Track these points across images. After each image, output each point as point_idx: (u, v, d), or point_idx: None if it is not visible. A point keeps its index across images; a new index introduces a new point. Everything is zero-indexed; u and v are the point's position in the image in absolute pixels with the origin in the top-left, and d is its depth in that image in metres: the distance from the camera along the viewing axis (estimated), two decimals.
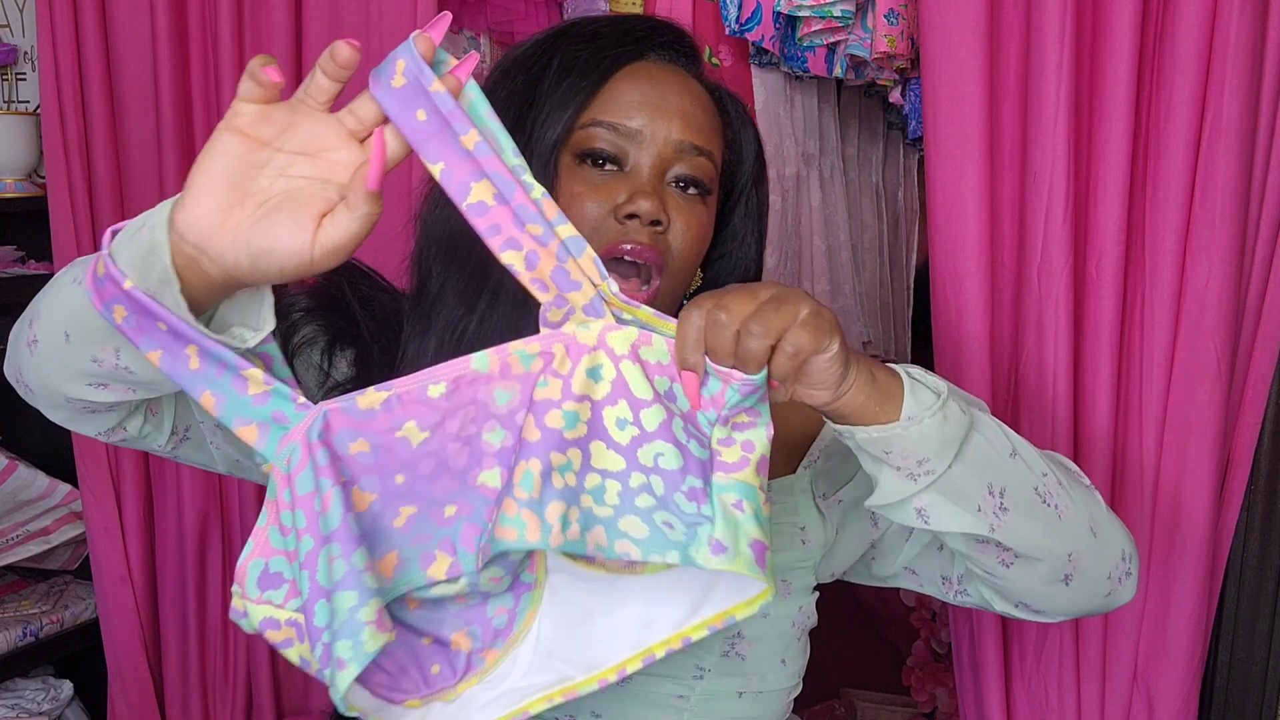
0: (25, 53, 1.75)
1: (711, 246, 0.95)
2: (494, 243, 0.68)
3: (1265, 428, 1.22)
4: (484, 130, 0.67)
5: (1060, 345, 1.16)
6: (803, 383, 0.73)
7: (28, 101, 1.75)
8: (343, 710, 0.70)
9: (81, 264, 0.75)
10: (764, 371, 0.69)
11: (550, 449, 0.68)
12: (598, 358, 0.70)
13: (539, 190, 0.69)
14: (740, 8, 1.65)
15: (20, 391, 0.83)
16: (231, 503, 1.48)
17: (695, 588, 0.74)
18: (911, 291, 2.36)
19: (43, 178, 1.52)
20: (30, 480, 1.66)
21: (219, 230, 0.64)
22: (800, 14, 1.64)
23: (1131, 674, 1.22)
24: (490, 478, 0.71)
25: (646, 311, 0.71)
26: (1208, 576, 1.20)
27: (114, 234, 0.68)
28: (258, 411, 0.68)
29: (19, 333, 0.80)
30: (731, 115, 0.95)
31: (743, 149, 0.97)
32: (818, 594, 0.98)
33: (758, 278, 1.01)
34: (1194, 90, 1.11)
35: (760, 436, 0.71)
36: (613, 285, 0.70)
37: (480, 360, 0.70)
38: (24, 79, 1.75)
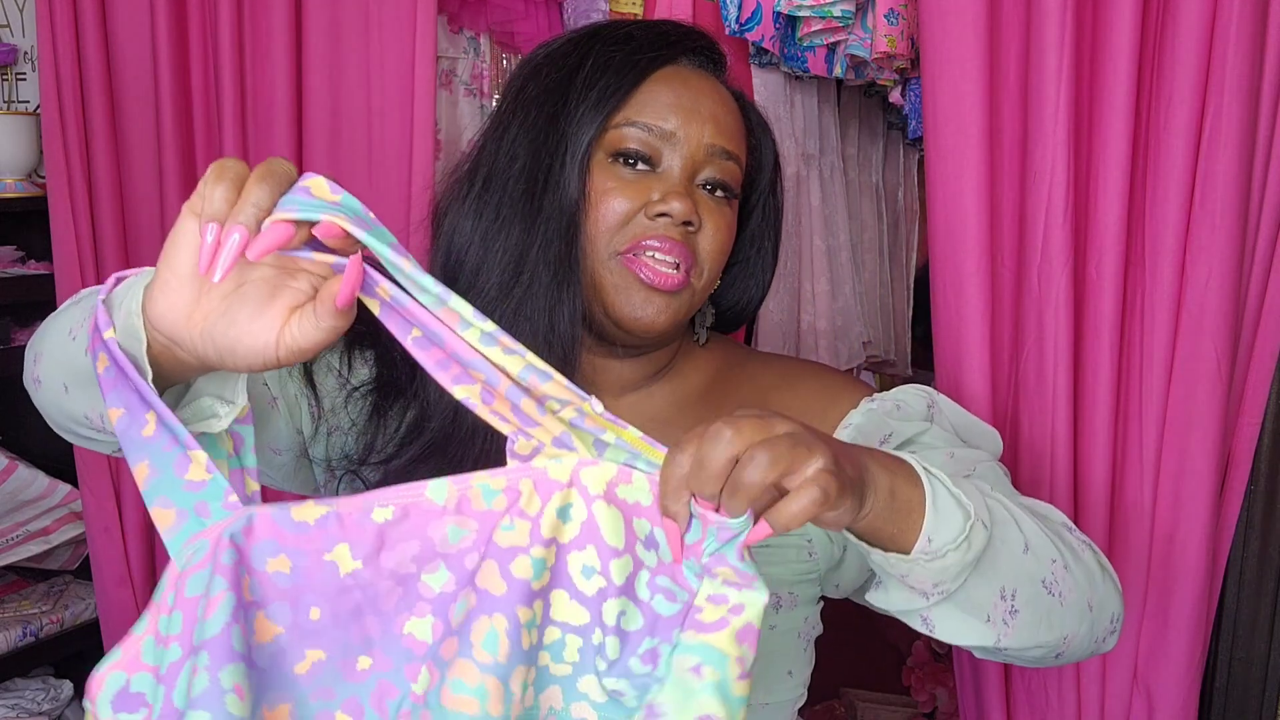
0: (25, 53, 1.75)
1: (730, 253, 0.95)
2: (443, 378, 0.63)
3: (1265, 428, 1.22)
4: (402, 278, 0.61)
5: (1060, 345, 1.16)
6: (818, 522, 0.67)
7: (28, 101, 1.75)
8: None
9: (84, 303, 0.77)
10: (747, 517, 0.60)
11: (517, 603, 0.61)
12: (569, 496, 0.63)
13: (476, 333, 0.62)
14: (740, 8, 1.65)
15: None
16: None
17: None
18: (911, 292, 2.36)
19: (43, 178, 1.52)
20: (30, 480, 1.66)
21: (187, 324, 0.62)
22: (800, 14, 1.64)
23: (1131, 674, 1.22)
24: (419, 628, 0.63)
25: (633, 434, 0.64)
26: (1208, 576, 1.20)
27: (118, 280, 0.66)
28: (184, 497, 0.62)
29: (27, 360, 0.82)
30: (753, 122, 0.97)
31: (762, 156, 0.98)
32: (823, 603, 0.98)
33: (769, 285, 1.02)
34: (1194, 90, 1.11)
35: (754, 601, 0.61)
36: (596, 405, 0.63)
37: (437, 489, 0.63)
38: (24, 79, 1.75)
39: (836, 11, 1.63)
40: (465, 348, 0.62)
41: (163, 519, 0.62)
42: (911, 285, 2.39)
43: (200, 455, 0.62)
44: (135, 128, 1.44)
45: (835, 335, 1.95)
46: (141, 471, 0.62)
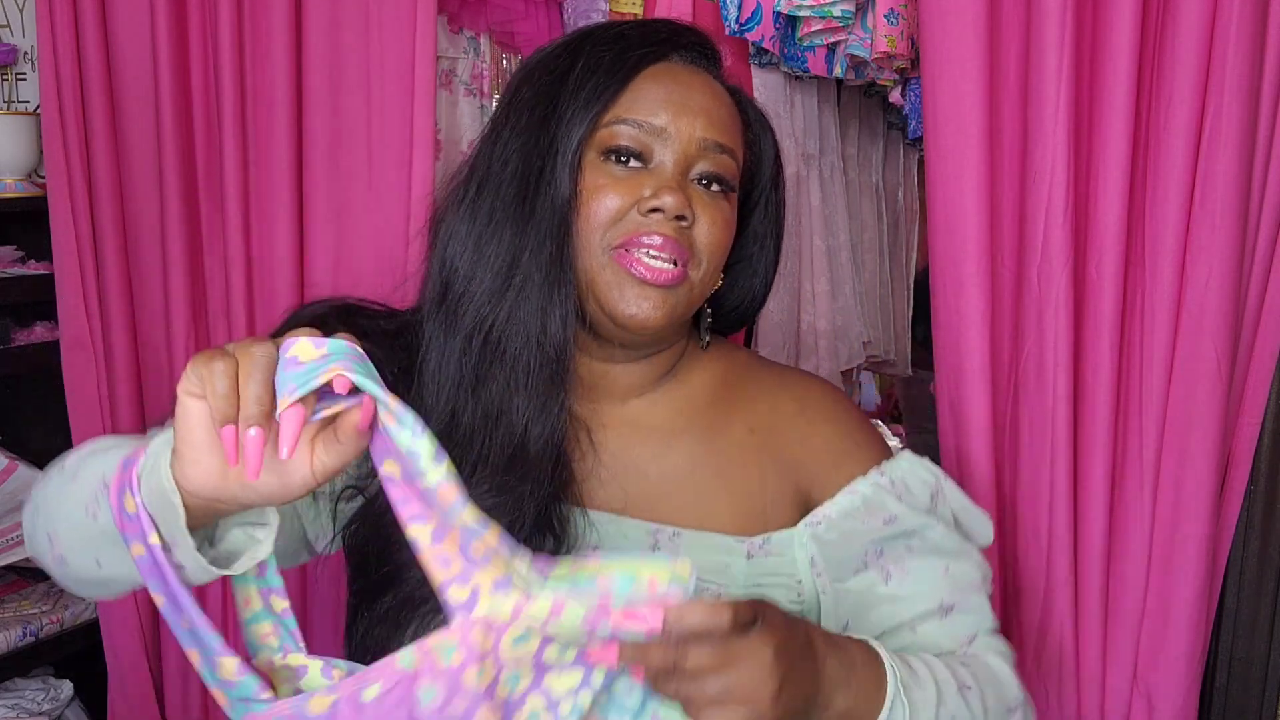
0: (25, 53, 1.75)
1: (732, 250, 0.95)
2: (403, 513, 0.67)
3: (1265, 428, 1.22)
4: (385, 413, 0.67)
5: (1060, 345, 1.16)
6: None
7: (28, 101, 1.75)
8: None
9: (84, 478, 0.76)
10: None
11: (512, 714, 0.70)
12: (519, 628, 0.69)
13: (435, 477, 0.67)
14: (740, 8, 1.65)
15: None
16: None
17: None
18: (912, 292, 2.36)
19: (43, 178, 1.52)
20: (30, 480, 1.66)
21: (224, 483, 0.65)
22: (800, 14, 1.64)
23: (1131, 674, 1.22)
24: None
25: (563, 569, 0.70)
26: (1208, 576, 1.20)
27: (125, 466, 0.69)
28: (228, 689, 0.71)
29: (34, 538, 0.80)
30: (751, 118, 0.96)
31: (762, 151, 0.97)
32: None
33: (773, 280, 1.01)
34: (1194, 90, 1.11)
35: None
36: (521, 562, 0.69)
37: (405, 657, 0.68)
38: (24, 79, 1.75)
39: (836, 11, 1.63)
40: (430, 492, 0.68)
41: (219, 698, 0.71)
42: (912, 285, 2.39)
43: (230, 662, 0.70)
44: (135, 128, 1.44)
45: (835, 335, 1.95)
46: (193, 657, 0.70)
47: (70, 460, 0.81)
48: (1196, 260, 1.14)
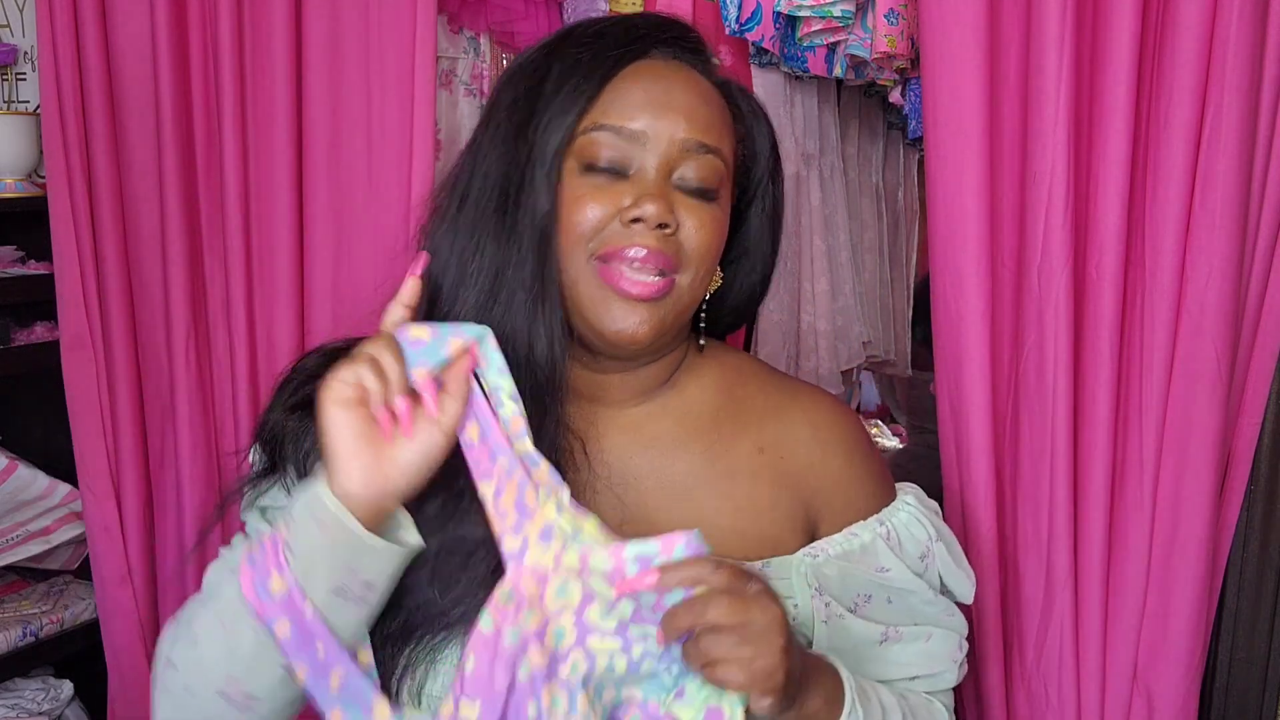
0: (25, 53, 1.75)
1: (731, 245, 0.93)
2: (475, 473, 0.79)
3: (1265, 428, 1.22)
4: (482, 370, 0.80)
5: (1060, 345, 1.16)
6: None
7: (28, 101, 1.75)
8: None
9: (213, 610, 0.80)
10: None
11: (556, 665, 0.76)
12: (560, 578, 0.76)
13: (510, 409, 0.79)
14: (740, 8, 1.65)
15: None
16: (231, 504, 1.48)
17: None
18: (912, 292, 2.36)
19: (43, 178, 1.52)
20: (30, 480, 1.66)
21: (378, 472, 0.75)
22: (800, 14, 1.64)
23: (1131, 674, 1.22)
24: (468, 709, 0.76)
25: (593, 523, 0.77)
26: (1208, 576, 1.20)
27: (285, 549, 0.75)
28: None
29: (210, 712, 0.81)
30: (743, 110, 0.93)
31: (756, 144, 0.94)
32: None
33: (772, 275, 1.00)
34: (1194, 90, 1.11)
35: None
36: (565, 494, 0.78)
37: (485, 621, 0.75)
38: (24, 79, 1.75)
39: (836, 11, 1.63)
40: (501, 439, 0.79)
41: None
42: (912, 285, 2.39)
43: (384, 707, 0.76)
44: (135, 128, 1.44)
45: (835, 335, 1.95)
46: (336, 716, 0.75)
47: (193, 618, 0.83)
48: (1196, 260, 1.14)
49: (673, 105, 0.85)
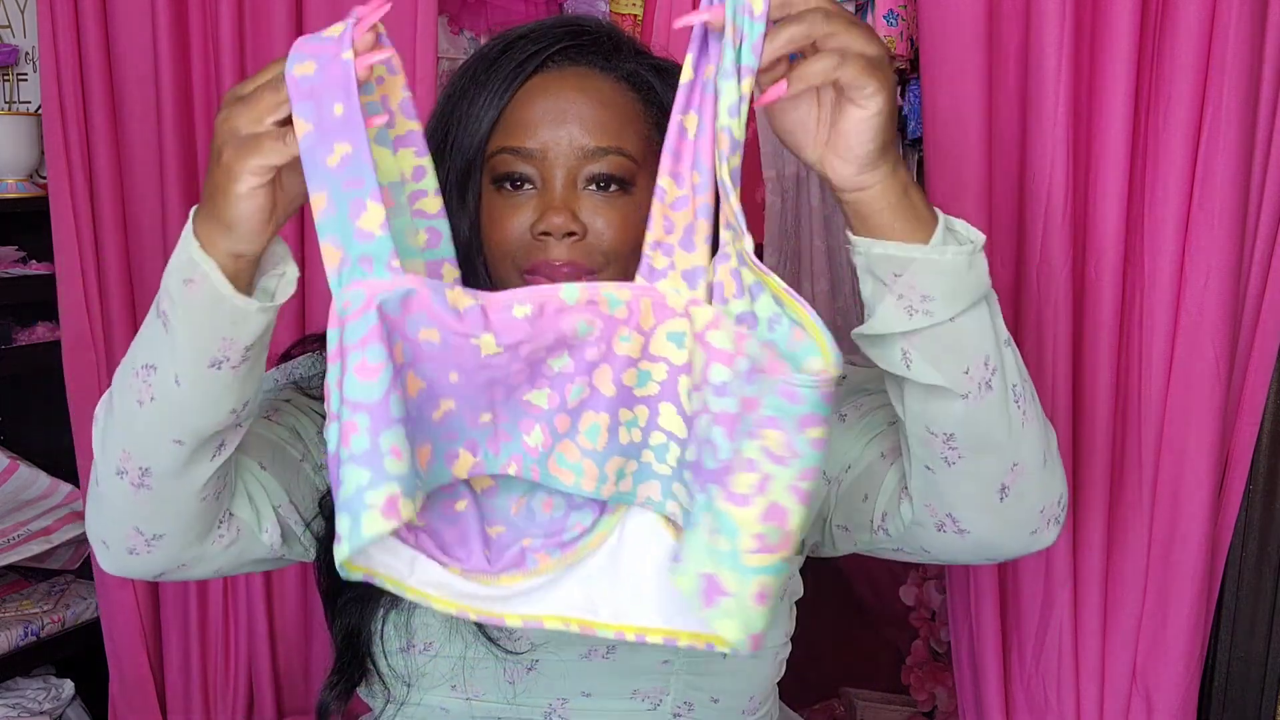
0: (26, 53, 1.75)
1: None
2: (666, 163, 0.70)
3: (1264, 428, 1.22)
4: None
5: (1060, 345, 1.16)
6: (831, 140, 0.71)
7: (29, 102, 1.75)
8: (341, 574, 0.72)
9: (128, 386, 0.77)
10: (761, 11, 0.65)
11: (620, 405, 0.70)
12: (680, 324, 0.70)
13: (727, 121, 0.67)
14: None
15: (142, 560, 0.84)
16: None
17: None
18: None
19: (44, 178, 1.52)
20: (31, 480, 1.66)
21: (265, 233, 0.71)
22: None
23: (1131, 674, 1.23)
24: (538, 398, 0.72)
25: (775, 282, 0.67)
26: (1207, 576, 1.20)
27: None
28: (353, 244, 0.67)
29: (113, 499, 0.80)
30: (659, 92, 0.92)
31: None
32: (801, 558, 0.99)
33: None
34: (1193, 90, 1.11)
35: (780, 475, 0.66)
36: (748, 243, 0.67)
37: (569, 292, 0.70)
38: (25, 79, 1.75)
39: None
40: (708, 150, 0.68)
41: (329, 257, 0.67)
42: None
43: (379, 209, 0.66)
44: (136, 128, 1.44)
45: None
46: (319, 203, 0.66)
47: (102, 406, 0.81)
48: (1196, 260, 1.14)
49: (567, 116, 0.87)
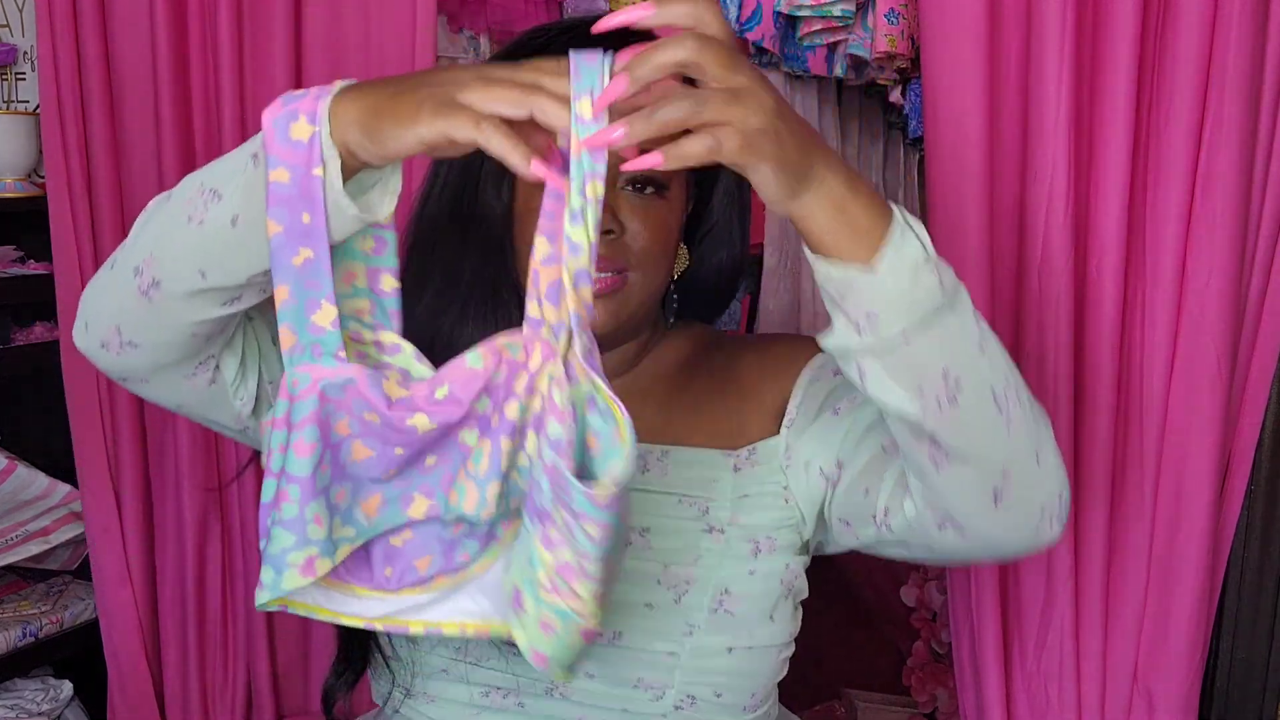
0: (25, 53, 1.74)
1: (698, 224, 0.99)
2: (542, 224, 0.73)
3: (1265, 428, 1.22)
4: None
5: (1061, 345, 1.16)
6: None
7: (27, 101, 1.75)
8: (258, 608, 0.79)
9: (180, 195, 0.78)
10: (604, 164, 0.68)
11: (502, 434, 0.75)
12: (554, 369, 0.74)
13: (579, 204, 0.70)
14: (740, 7, 1.65)
15: (108, 357, 0.84)
16: (231, 503, 1.48)
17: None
18: None
19: (42, 178, 1.52)
20: (30, 480, 1.66)
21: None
22: (800, 14, 1.64)
23: (1131, 674, 1.22)
24: (469, 436, 0.77)
25: (601, 386, 0.71)
26: (1208, 576, 1.20)
27: (292, 99, 0.72)
28: (306, 334, 0.74)
29: (116, 289, 0.81)
30: None
31: None
32: (807, 558, 0.99)
33: (744, 253, 1.04)
34: (1194, 90, 1.11)
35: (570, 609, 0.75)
36: (578, 345, 0.72)
37: (474, 359, 0.75)
38: (23, 79, 1.75)
39: (836, 11, 1.63)
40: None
41: (284, 339, 0.75)
42: None
43: (331, 309, 0.74)
44: (135, 128, 1.44)
45: None
46: (281, 293, 0.74)
47: (156, 201, 0.82)
48: (1197, 260, 1.14)
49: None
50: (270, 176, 0.71)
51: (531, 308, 0.74)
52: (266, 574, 0.77)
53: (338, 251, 0.77)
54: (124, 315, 0.81)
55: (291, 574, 0.77)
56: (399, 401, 0.75)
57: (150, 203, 0.82)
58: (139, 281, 0.79)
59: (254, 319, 0.89)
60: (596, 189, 0.69)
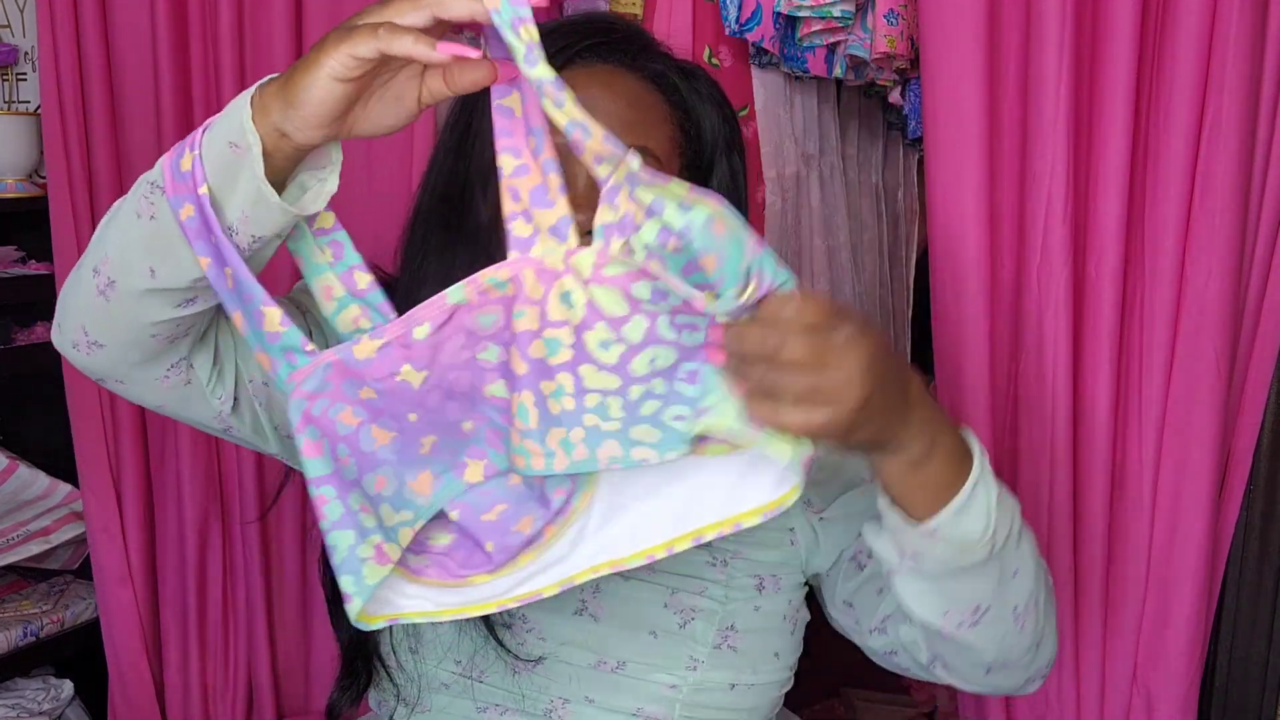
0: (26, 53, 1.75)
1: None
2: (500, 143, 0.71)
3: (1265, 428, 1.22)
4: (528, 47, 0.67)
5: (1060, 345, 1.16)
6: None
7: (28, 102, 1.75)
8: (358, 625, 0.77)
9: (133, 197, 0.78)
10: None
11: (539, 379, 0.71)
12: (566, 283, 0.70)
13: (541, 71, 0.66)
14: (740, 8, 1.65)
15: (80, 357, 0.84)
16: (232, 503, 1.48)
17: (725, 485, 0.75)
18: (911, 291, 2.36)
19: (43, 178, 1.52)
20: (31, 480, 1.66)
21: (342, 121, 0.70)
22: (800, 14, 1.64)
23: (1131, 674, 1.22)
24: (497, 389, 0.73)
25: (676, 187, 0.66)
26: (1207, 576, 1.20)
27: (205, 131, 0.72)
28: (271, 347, 0.73)
29: (79, 289, 0.81)
30: (684, 94, 0.93)
31: (702, 122, 0.96)
32: (808, 588, 1.00)
33: None
34: (1194, 90, 1.11)
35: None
36: (633, 160, 0.66)
37: (455, 293, 0.71)
38: (24, 79, 1.75)
39: (836, 12, 1.63)
40: (537, 112, 0.70)
41: (265, 364, 0.74)
42: (911, 285, 2.39)
43: (275, 311, 0.72)
44: (136, 128, 1.44)
45: None
46: (237, 321, 0.74)
47: (117, 203, 0.82)
48: (1196, 260, 1.14)
49: (594, 113, 0.87)
50: (180, 216, 0.71)
51: (517, 228, 0.71)
52: (347, 583, 0.74)
53: (307, 271, 0.77)
54: (87, 315, 0.82)
55: (371, 567, 0.74)
56: (378, 356, 0.72)
57: (114, 204, 0.83)
58: (97, 281, 0.79)
59: (228, 318, 0.89)
60: (531, 31, 0.66)
